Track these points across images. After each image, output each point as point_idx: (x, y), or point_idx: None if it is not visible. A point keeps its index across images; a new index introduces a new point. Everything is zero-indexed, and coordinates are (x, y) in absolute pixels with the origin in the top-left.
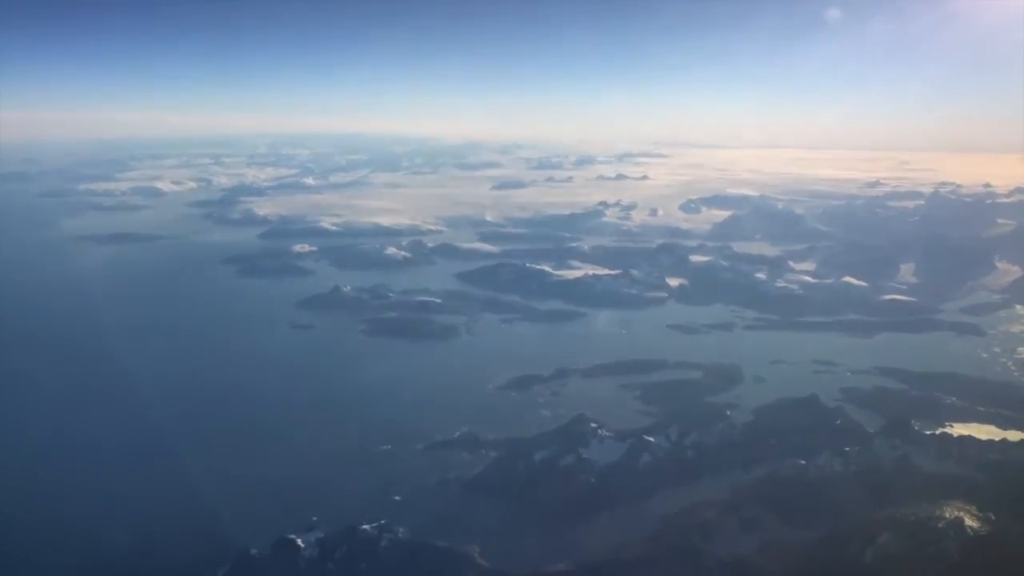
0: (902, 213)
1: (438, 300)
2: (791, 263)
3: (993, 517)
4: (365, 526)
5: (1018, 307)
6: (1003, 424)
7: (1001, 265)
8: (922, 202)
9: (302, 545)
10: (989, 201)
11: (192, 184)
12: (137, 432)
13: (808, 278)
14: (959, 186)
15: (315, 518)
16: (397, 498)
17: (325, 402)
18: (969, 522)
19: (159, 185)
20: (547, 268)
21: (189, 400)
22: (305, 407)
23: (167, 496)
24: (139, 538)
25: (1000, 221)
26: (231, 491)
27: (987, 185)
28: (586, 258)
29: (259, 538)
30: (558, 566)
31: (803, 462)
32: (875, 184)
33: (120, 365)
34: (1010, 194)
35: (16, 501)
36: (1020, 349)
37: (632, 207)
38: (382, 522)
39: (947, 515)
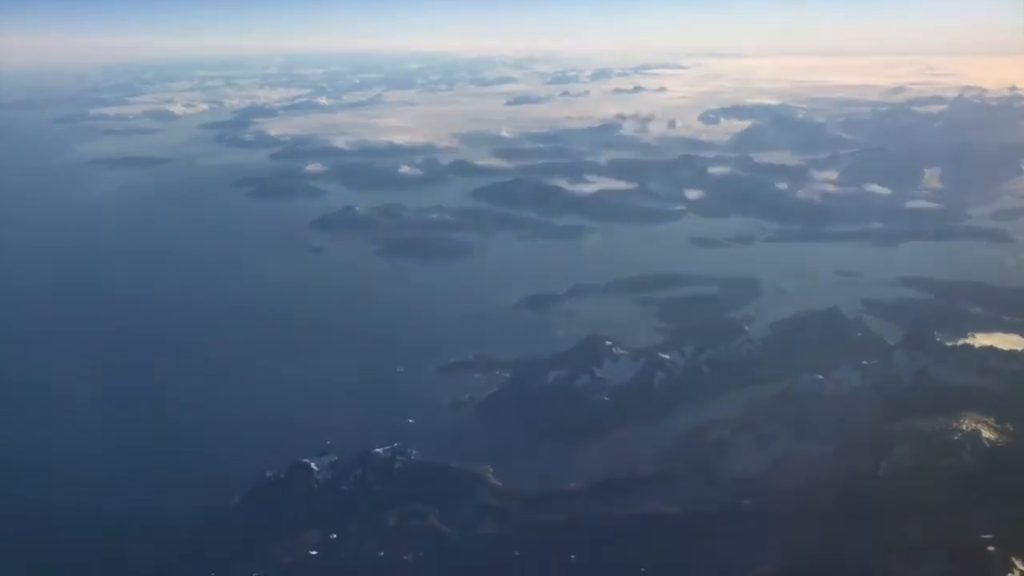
0: (926, 119)
1: (452, 218)
2: (813, 172)
3: (1012, 428)
4: (378, 449)
5: None
6: None
7: None
8: (946, 107)
9: (316, 469)
10: (1016, 104)
11: (204, 106)
12: (149, 357)
13: (830, 187)
14: (984, 90)
15: (329, 442)
16: (411, 421)
17: (337, 325)
18: (986, 434)
19: (171, 108)
20: (563, 184)
21: (201, 325)
22: (317, 330)
23: (181, 422)
24: (155, 464)
25: None
26: (245, 417)
27: (1013, 88)
28: (603, 172)
29: (274, 463)
30: (570, 485)
31: (820, 377)
32: (899, 90)
33: (131, 289)
34: None
35: (15, 427)
36: None
37: (650, 119)
38: (395, 445)
39: (964, 427)
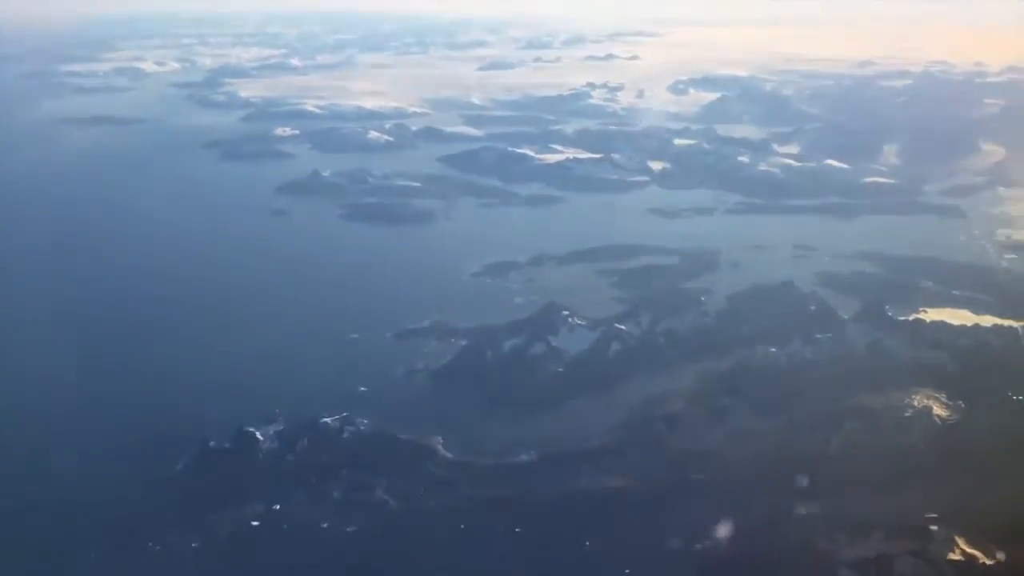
0: (890, 93)
1: (417, 184)
2: (775, 146)
3: (963, 405)
4: (327, 418)
5: (1000, 189)
6: (977, 309)
7: (986, 146)
8: (911, 82)
9: (261, 438)
10: (979, 80)
11: (176, 65)
12: (94, 320)
13: (791, 161)
14: (951, 65)
15: (277, 410)
16: (363, 389)
17: (295, 290)
18: (938, 410)
19: (142, 66)
20: (529, 152)
21: (154, 287)
22: (274, 295)
23: (125, 387)
24: (95, 430)
25: (988, 101)
26: (192, 383)
27: (979, 63)
28: (569, 141)
29: (220, 431)
30: (522, 457)
31: (774, 350)
32: (866, 63)
33: (83, 251)
34: (1001, 73)
35: None
36: (999, 231)
37: (619, 88)
38: (344, 414)
39: (916, 403)
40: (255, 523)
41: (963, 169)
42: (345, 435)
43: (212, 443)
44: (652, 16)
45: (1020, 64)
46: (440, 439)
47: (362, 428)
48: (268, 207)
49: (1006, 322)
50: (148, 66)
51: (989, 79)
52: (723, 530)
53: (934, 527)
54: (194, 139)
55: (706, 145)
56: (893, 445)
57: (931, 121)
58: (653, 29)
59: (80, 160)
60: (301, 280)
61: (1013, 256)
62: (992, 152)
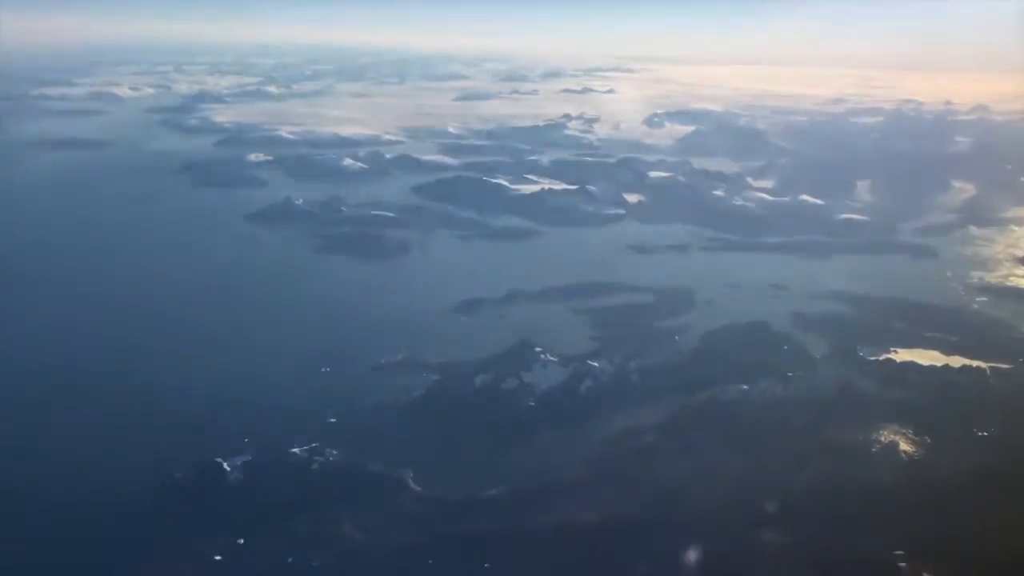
0: (862, 130)
1: (392, 214)
2: (750, 180)
3: (929, 441)
4: (295, 449)
5: (971, 227)
6: (947, 350)
7: (957, 184)
8: (883, 119)
9: (228, 469)
10: (949, 118)
11: (151, 90)
12: (61, 349)
13: (766, 196)
14: (921, 103)
15: (246, 440)
16: (333, 421)
17: (265, 321)
18: (904, 446)
19: (117, 91)
20: (504, 182)
21: (121, 315)
22: (244, 326)
23: (90, 417)
24: (59, 460)
25: (959, 139)
26: (158, 413)
27: (948, 102)
28: (545, 172)
29: (185, 462)
30: (492, 491)
31: (746, 387)
32: (838, 100)
33: (43, 276)
34: (970, 111)
35: None
36: (972, 273)
37: (595, 120)
38: (314, 445)
39: (883, 440)
40: (218, 557)
41: (935, 207)
42: (314, 467)
43: (177, 474)
44: (629, 53)
45: (988, 103)
46: (410, 472)
47: (331, 460)
48: (238, 234)
49: (975, 363)
50: (123, 91)
51: (959, 117)
52: (693, 564)
53: (902, 563)
54: (165, 163)
55: (681, 178)
56: (860, 480)
57: (903, 158)
58: (629, 66)
59: (43, 183)
60: (271, 311)
61: (984, 298)
62: (963, 189)
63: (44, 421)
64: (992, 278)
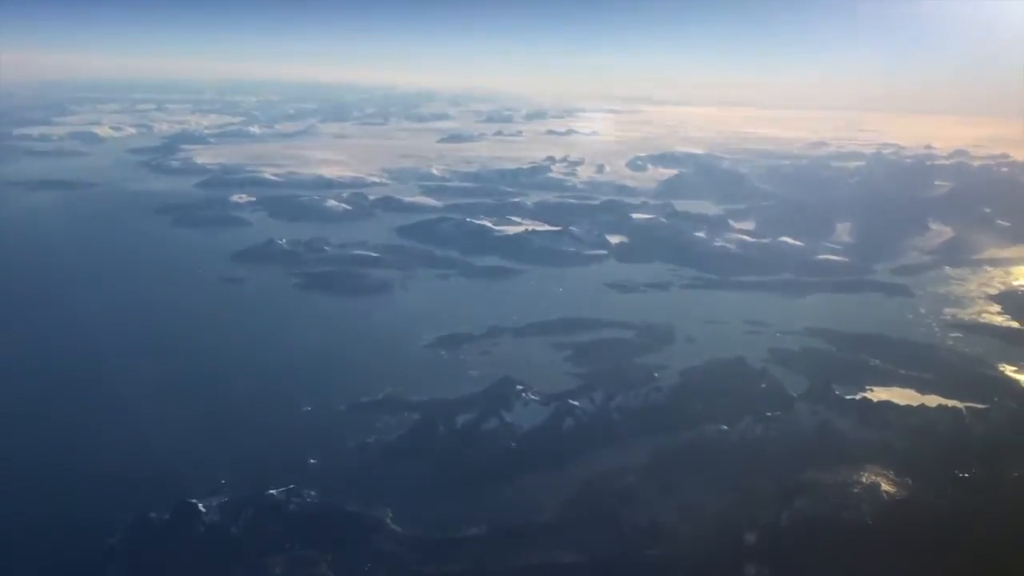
0: (843, 173)
1: (375, 254)
2: (731, 222)
3: (910, 482)
4: (273, 490)
5: (947, 268)
6: (922, 388)
7: (935, 226)
8: (863, 163)
9: (204, 509)
10: (929, 163)
11: (132, 130)
12: (38, 387)
13: (746, 237)
14: (901, 147)
15: (223, 480)
16: (312, 461)
17: (248, 360)
18: (885, 487)
19: (97, 131)
20: (488, 223)
21: (104, 355)
22: (226, 366)
23: (68, 456)
24: (31, 498)
25: (937, 183)
26: (135, 451)
27: (928, 147)
28: (528, 214)
29: (160, 501)
30: (472, 531)
31: (725, 427)
32: (820, 144)
33: (22, 315)
34: (950, 156)
35: None
36: (945, 311)
37: (579, 163)
38: (291, 486)
39: (864, 480)
40: None
41: (912, 248)
42: (291, 507)
43: (152, 514)
44: (614, 93)
45: (967, 148)
46: (389, 512)
47: (309, 500)
48: (222, 274)
49: (950, 402)
50: (104, 131)
51: (938, 161)
52: None
53: None
54: (147, 204)
55: (663, 220)
56: (843, 520)
57: (883, 201)
58: (613, 106)
59: (21, 224)
60: (254, 350)
61: (957, 335)
62: (941, 232)
63: (11, 464)
64: (964, 315)
